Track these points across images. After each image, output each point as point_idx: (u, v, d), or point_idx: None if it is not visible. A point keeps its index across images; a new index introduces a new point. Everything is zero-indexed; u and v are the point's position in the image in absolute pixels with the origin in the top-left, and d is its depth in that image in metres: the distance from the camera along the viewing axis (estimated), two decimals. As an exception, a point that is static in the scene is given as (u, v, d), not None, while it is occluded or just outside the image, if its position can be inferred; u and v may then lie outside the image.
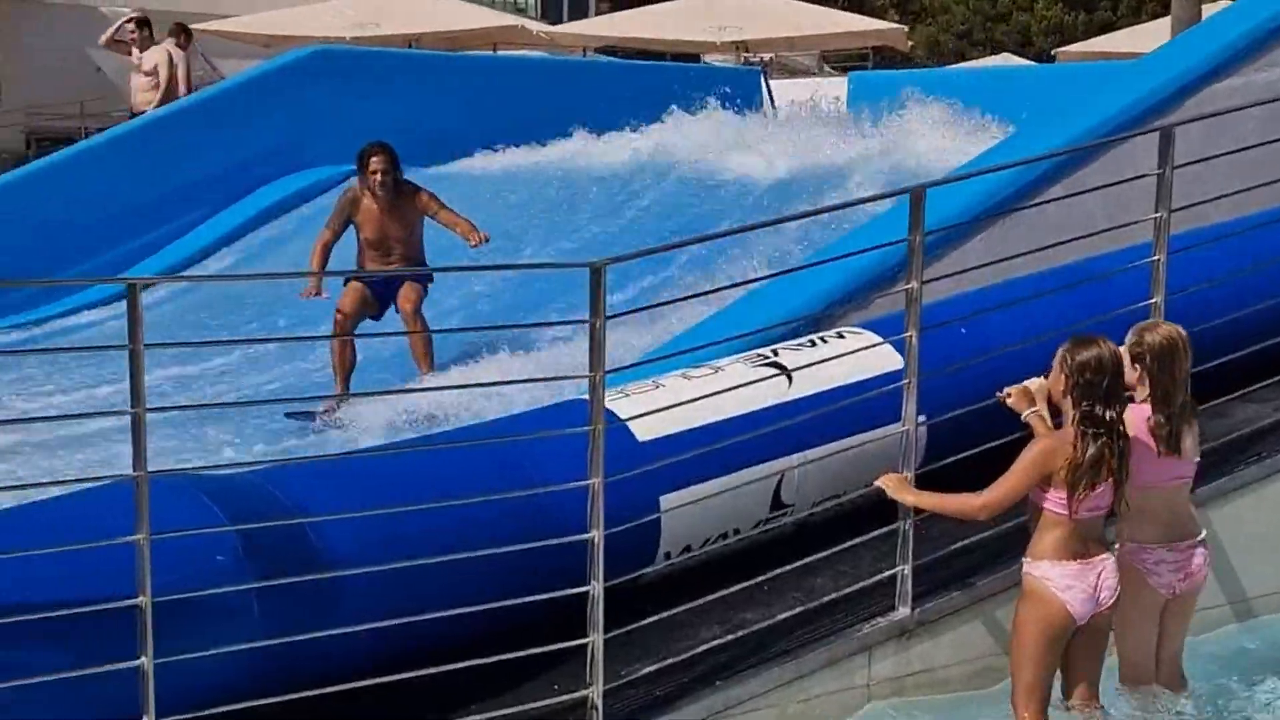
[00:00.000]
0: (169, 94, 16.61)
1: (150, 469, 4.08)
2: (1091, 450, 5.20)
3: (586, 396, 4.94)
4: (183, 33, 17.30)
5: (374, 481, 5.10)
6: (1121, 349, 5.49)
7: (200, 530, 4.40)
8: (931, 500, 5.59)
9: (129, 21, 17.17)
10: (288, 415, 9.57)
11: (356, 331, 9.99)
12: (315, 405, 9.47)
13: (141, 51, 16.93)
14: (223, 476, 4.81)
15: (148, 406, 4.00)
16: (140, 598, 4.10)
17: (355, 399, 9.33)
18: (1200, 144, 7.49)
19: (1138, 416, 5.51)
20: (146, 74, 16.84)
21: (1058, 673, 5.48)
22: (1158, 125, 6.57)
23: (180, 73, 16.93)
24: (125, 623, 4.13)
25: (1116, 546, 5.63)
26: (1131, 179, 6.69)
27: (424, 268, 10.41)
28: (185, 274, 14.59)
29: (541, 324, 6.11)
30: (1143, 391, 5.54)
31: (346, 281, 10.20)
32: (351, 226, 10.17)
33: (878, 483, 5.66)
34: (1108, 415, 5.23)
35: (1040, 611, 5.33)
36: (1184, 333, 5.59)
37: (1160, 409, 5.51)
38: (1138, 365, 5.50)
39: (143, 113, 16.53)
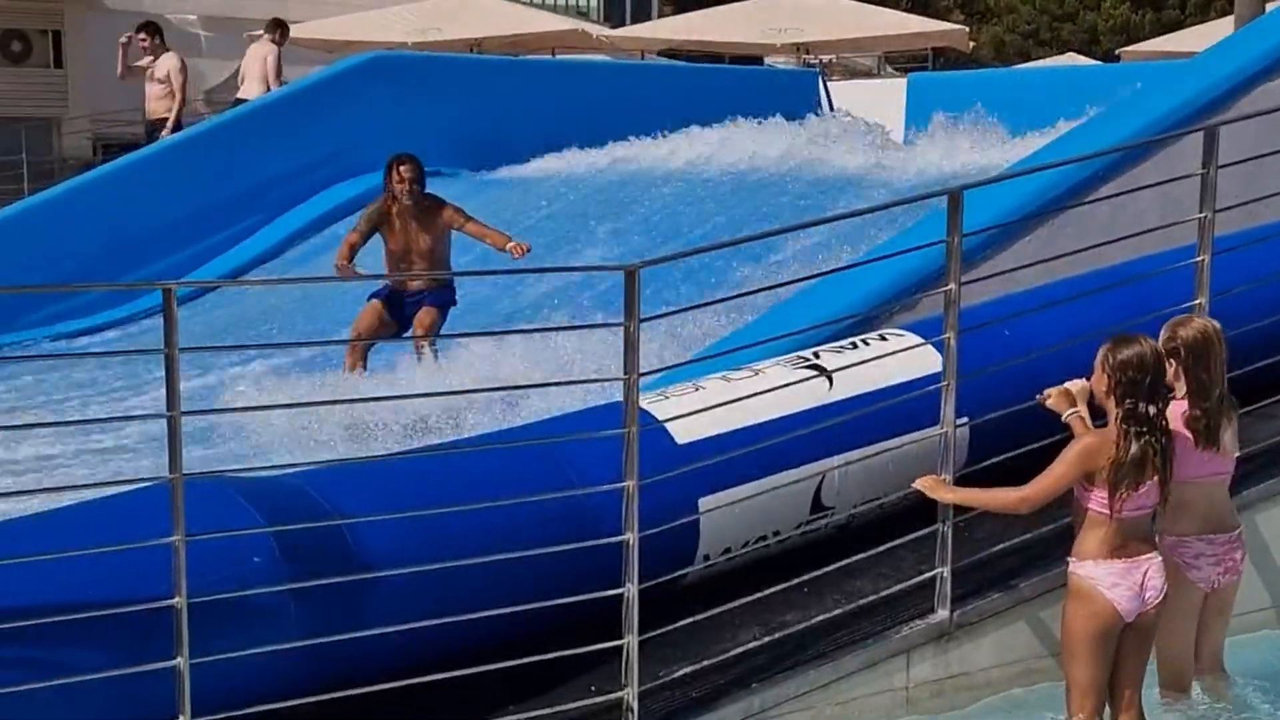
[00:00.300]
0: (184, 102, 16.73)
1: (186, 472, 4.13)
2: (1135, 449, 5.19)
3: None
4: (279, 29, 17.46)
5: (412, 483, 5.13)
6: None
7: (236, 532, 4.44)
8: (970, 496, 5.59)
9: (138, 32, 17.18)
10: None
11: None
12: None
13: (155, 59, 16.97)
14: (261, 479, 4.87)
15: (183, 410, 4.05)
16: (176, 599, 4.15)
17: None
18: (1255, 144, 7.43)
19: (1175, 411, 5.49)
20: (160, 81, 16.88)
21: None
22: (1202, 125, 6.51)
23: (271, 67, 17.20)
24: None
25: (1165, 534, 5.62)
26: (1173, 180, 6.64)
27: (449, 288, 10.40)
28: (238, 279, 14.72)
29: (576, 326, 6.15)
30: (1180, 387, 5.52)
31: (369, 299, 10.31)
32: (379, 238, 10.23)
33: (915, 484, 5.65)
34: (1151, 412, 5.21)
35: (1088, 610, 5.32)
36: (1218, 326, 5.58)
37: (1197, 403, 5.50)
38: (1172, 360, 5.49)
39: (159, 121, 16.69)
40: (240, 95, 17.75)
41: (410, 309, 10.24)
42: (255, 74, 17.46)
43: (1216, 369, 5.52)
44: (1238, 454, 5.78)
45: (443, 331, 9.90)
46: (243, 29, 31.32)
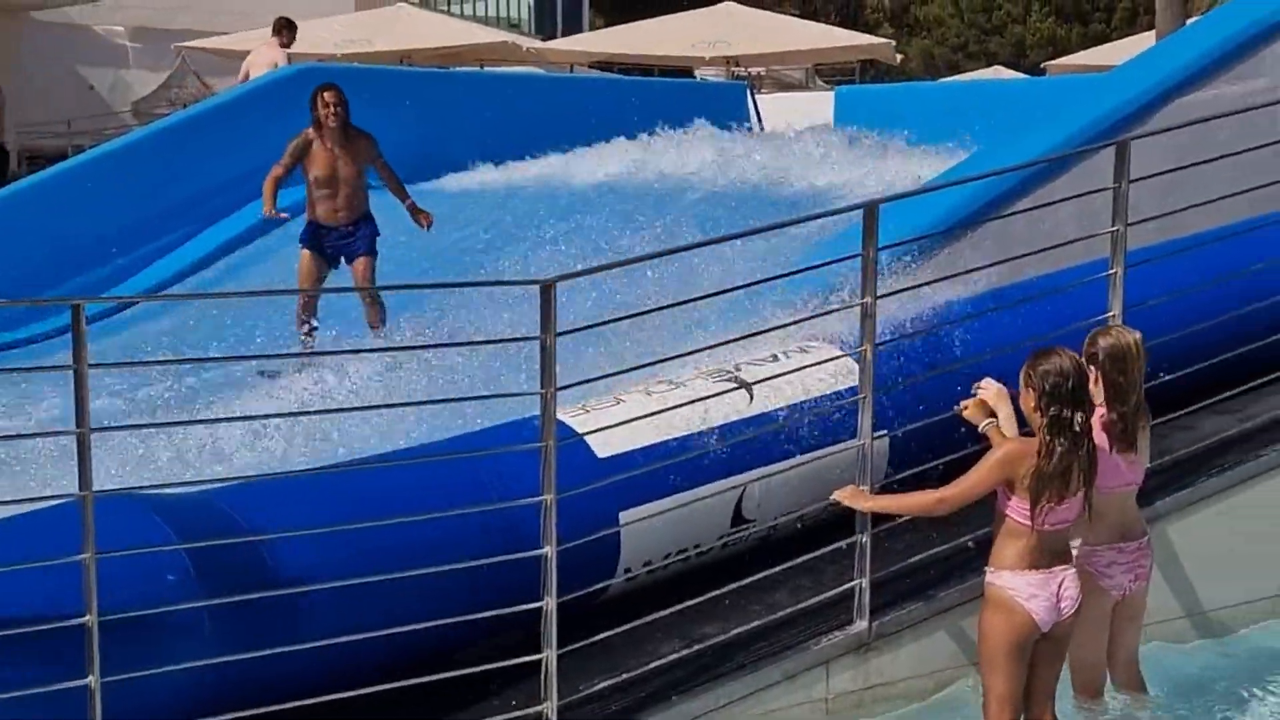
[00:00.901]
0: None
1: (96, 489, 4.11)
2: (1058, 458, 5.23)
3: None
4: (286, 29, 17.10)
5: (331, 498, 5.12)
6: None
7: (148, 549, 4.42)
8: (887, 502, 5.64)
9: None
10: (259, 373, 10.15)
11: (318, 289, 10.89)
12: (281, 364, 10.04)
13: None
14: (177, 495, 4.84)
15: (92, 427, 4.03)
16: (87, 617, 4.13)
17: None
18: (1176, 157, 7.53)
19: (1093, 418, 5.56)
20: None
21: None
22: (1114, 140, 6.60)
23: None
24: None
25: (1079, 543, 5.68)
26: (1086, 194, 6.74)
27: (371, 220, 11.12)
28: (152, 294, 14.59)
29: (492, 340, 6.17)
30: (1099, 394, 5.58)
31: (302, 243, 11.06)
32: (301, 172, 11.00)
33: (834, 496, 5.69)
34: (1076, 421, 5.26)
35: (1006, 621, 5.36)
36: (1138, 336, 5.64)
37: (1114, 407, 5.57)
38: (1091, 366, 5.55)
39: None
40: None
41: (338, 244, 11.03)
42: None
43: (1134, 375, 5.59)
44: (1146, 464, 5.86)
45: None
46: (172, 40, 31.18)
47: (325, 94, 10.87)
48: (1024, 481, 5.26)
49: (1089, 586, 5.57)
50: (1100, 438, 5.52)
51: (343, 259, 11.13)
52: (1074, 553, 5.59)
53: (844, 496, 5.67)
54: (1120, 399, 5.58)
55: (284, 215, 11.06)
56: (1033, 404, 5.31)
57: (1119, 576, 5.72)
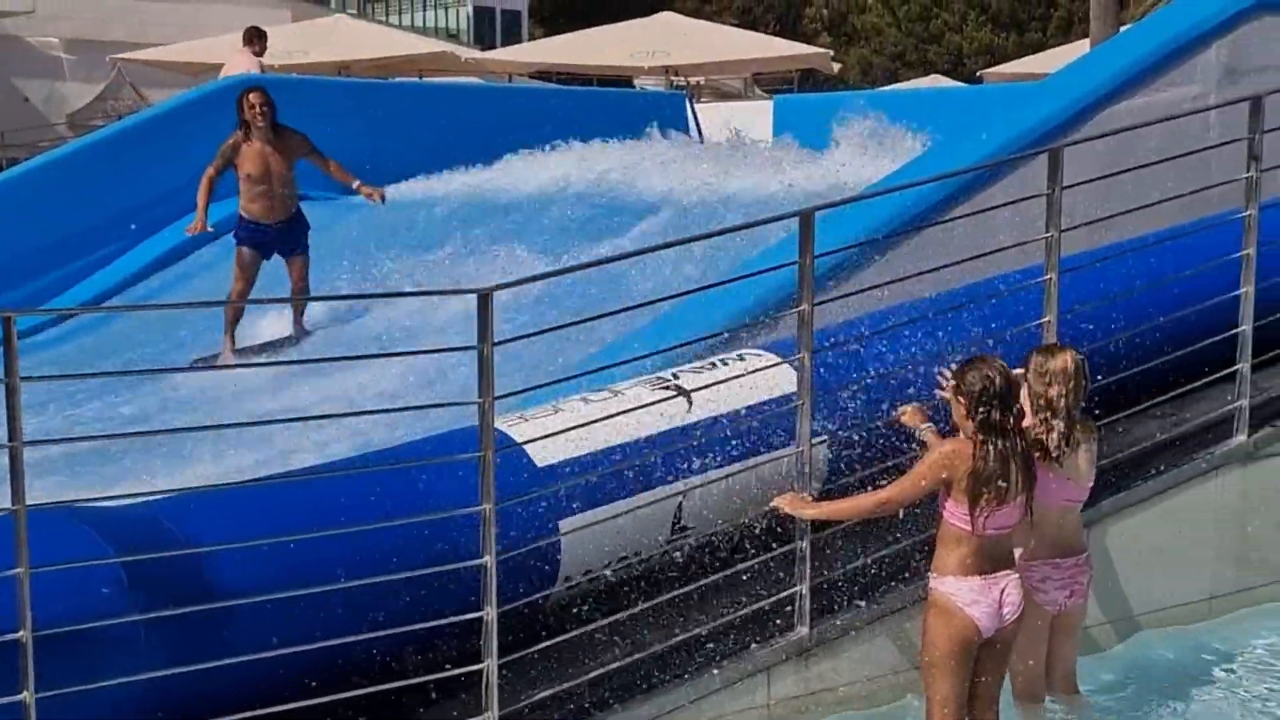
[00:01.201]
0: None
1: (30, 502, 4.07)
2: (993, 458, 5.27)
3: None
4: (258, 39, 17.15)
5: (268, 510, 5.09)
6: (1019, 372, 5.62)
7: (82, 563, 4.39)
8: (828, 509, 5.66)
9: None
10: (194, 362, 10.83)
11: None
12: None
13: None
14: (111, 509, 4.80)
15: (25, 440, 4.00)
16: (21, 632, 4.09)
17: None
18: (1107, 164, 7.61)
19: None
20: None
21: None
22: (1048, 147, 6.66)
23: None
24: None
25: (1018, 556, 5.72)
26: (1019, 200, 6.80)
27: (303, 217, 11.66)
28: (86, 306, 14.46)
29: (430, 350, 6.14)
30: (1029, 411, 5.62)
31: (238, 240, 11.50)
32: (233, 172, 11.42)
33: (774, 504, 5.71)
34: (1006, 422, 5.30)
35: (949, 626, 5.39)
36: (1075, 355, 5.68)
37: (1041, 422, 5.59)
38: (1025, 383, 5.59)
39: None
40: None
41: (274, 240, 11.50)
42: None
43: (1063, 391, 5.59)
44: (1091, 482, 5.89)
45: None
46: (107, 51, 30.99)
47: (250, 96, 11.30)
48: (961, 483, 5.30)
49: (1025, 599, 5.60)
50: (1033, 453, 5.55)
51: (277, 254, 11.58)
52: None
53: (784, 503, 5.69)
54: (1049, 414, 5.61)
55: (210, 230, 11.52)
56: (964, 411, 5.35)
57: (1053, 592, 5.76)
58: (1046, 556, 5.73)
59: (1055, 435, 5.60)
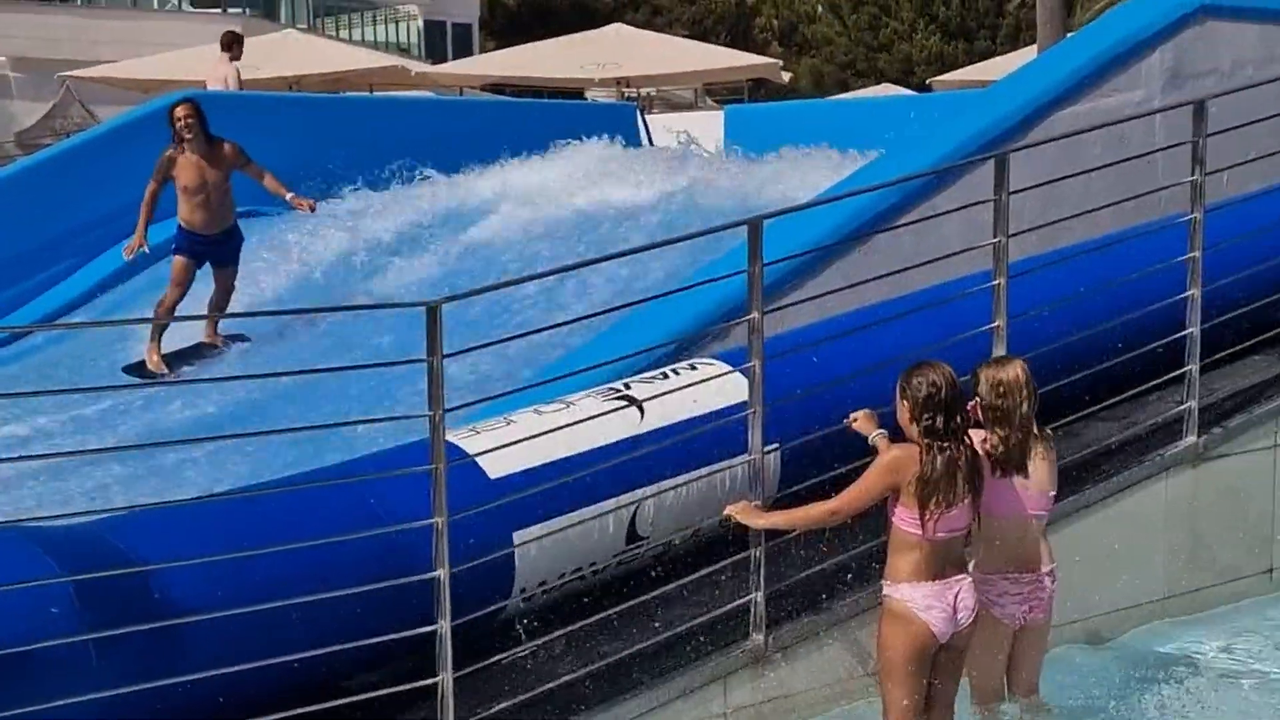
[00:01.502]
0: None
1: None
2: (940, 462, 5.29)
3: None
4: (236, 44, 17.29)
5: (219, 527, 5.07)
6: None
7: (31, 583, 4.36)
8: (779, 518, 5.67)
9: None
10: (124, 370, 10.97)
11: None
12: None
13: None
14: (58, 527, 4.77)
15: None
16: (-31, 653, 4.06)
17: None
18: (1052, 170, 7.67)
19: (977, 441, 5.62)
20: None
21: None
22: (993, 153, 6.70)
23: (232, 85, 17.12)
24: None
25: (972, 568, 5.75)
26: (967, 206, 6.84)
27: (238, 231, 11.83)
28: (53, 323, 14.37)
29: (379, 364, 6.13)
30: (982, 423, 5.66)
31: (176, 250, 11.57)
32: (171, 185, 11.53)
33: (726, 511, 5.72)
34: (950, 427, 5.33)
35: (904, 632, 5.40)
36: (1022, 365, 5.71)
37: (995, 432, 5.61)
38: (978, 395, 5.64)
39: None
40: None
41: (209, 249, 11.61)
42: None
43: (1017, 401, 5.61)
44: (1054, 493, 5.88)
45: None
46: (55, 70, 30.80)
47: (178, 109, 11.46)
48: (910, 488, 5.32)
49: (982, 614, 5.60)
50: (984, 463, 5.57)
51: (209, 263, 11.70)
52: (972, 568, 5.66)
53: (736, 512, 5.70)
54: (1002, 424, 5.63)
55: (145, 250, 11.69)
56: (908, 415, 5.38)
57: (1011, 607, 5.73)
58: (1005, 570, 5.71)
59: (1014, 446, 5.62)
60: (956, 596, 5.41)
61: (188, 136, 11.38)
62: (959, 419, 5.37)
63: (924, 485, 5.30)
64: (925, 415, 5.32)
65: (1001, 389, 5.61)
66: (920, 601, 5.37)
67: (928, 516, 5.31)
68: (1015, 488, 5.67)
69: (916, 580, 5.38)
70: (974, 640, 5.60)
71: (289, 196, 11.72)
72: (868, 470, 5.45)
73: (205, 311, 11.70)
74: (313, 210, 11.99)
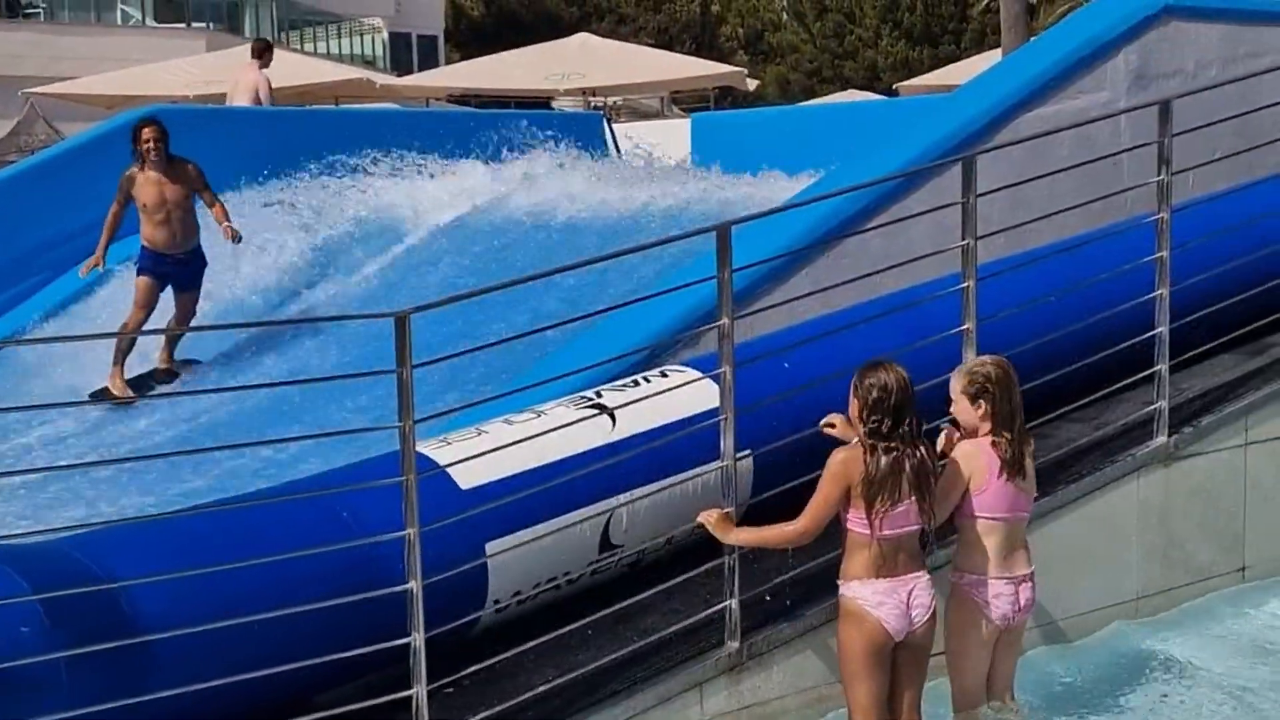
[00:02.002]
0: None
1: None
2: (883, 463, 5.34)
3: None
4: (266, 51, 17.54)
5: (189, 543, 5.03)
6: (956, 388, 5.72)
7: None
8: (751, 537, 5.68)
9: None
10: (90, 396, 10.87)
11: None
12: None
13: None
14: (27, 545, 4.73)
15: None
16: (-62, 673, 4.01)
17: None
18: (1020, 171, 7.70)
19: (981, 447, 5.67)
20: None
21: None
22: (961, 156, 6.71)
23: (265, 98, 17.28)
24: None
25: (952, 578, 5.76)
26: (935, 209, 6.85)
27: (201, 253, 11.78)
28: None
29: (349, 375, 6.12)
30: (985, 426, 5.69)
31: (140, 271, 11.55)
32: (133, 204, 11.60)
33: (699, 519, 5.71)
34: (898, 431, 5.36)
35: (858, 630, 5.46)
36: (1009, 363, 5.75)
37: (1000, 433, 5.67)
38: (982, 400, 5.66)
39: None
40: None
41: (171, 270, 11.57)
42: (247, 104, 17.52)
43: (1017, 400, 5.70)
44: (1035, 493, 5.97)
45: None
46: (18, 86, 30.64)
47: (144, 130, 11.50)
48: (857, 489, 5.37)
49: (974, 614, 5.66)
50: (993, 466, 5.66)
51: (170, 286, 11.65)
52: (960, 578, 5.68)
53: (708, 521, 5.69)
54: (1008, 425, 5.66)
55: (100, 269, 11.89)
56: (857, 412, 5.42)
57: (1005, 608, 5.78)
58: (999, 573, 5.76)
59: (1014, 444, 5.69)
60: (910, 594, 5.45)
61: (152, 157, 11.45)
62: (908, 423, 5.39)
63: (868, 485, 5.37)
64: (872, 417, 5.38)
65: (1012, 390, 5.65)
66: (871, 599, 5.43)
67: (874, 515, 5.36)
68: (1013, 488, 5.72)
69: (867, 578, 5.44)
70: (960, 641, 5.63)
71: (225, 225, 11.69)
72: (821, 480, 5.46)
73: (166, 342, 11.62)
74: (236, 240, 11.88)
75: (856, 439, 5.64)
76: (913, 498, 5.39)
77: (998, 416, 5.70)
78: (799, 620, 5.96)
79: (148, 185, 11.48)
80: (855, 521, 5.42)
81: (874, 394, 5.37)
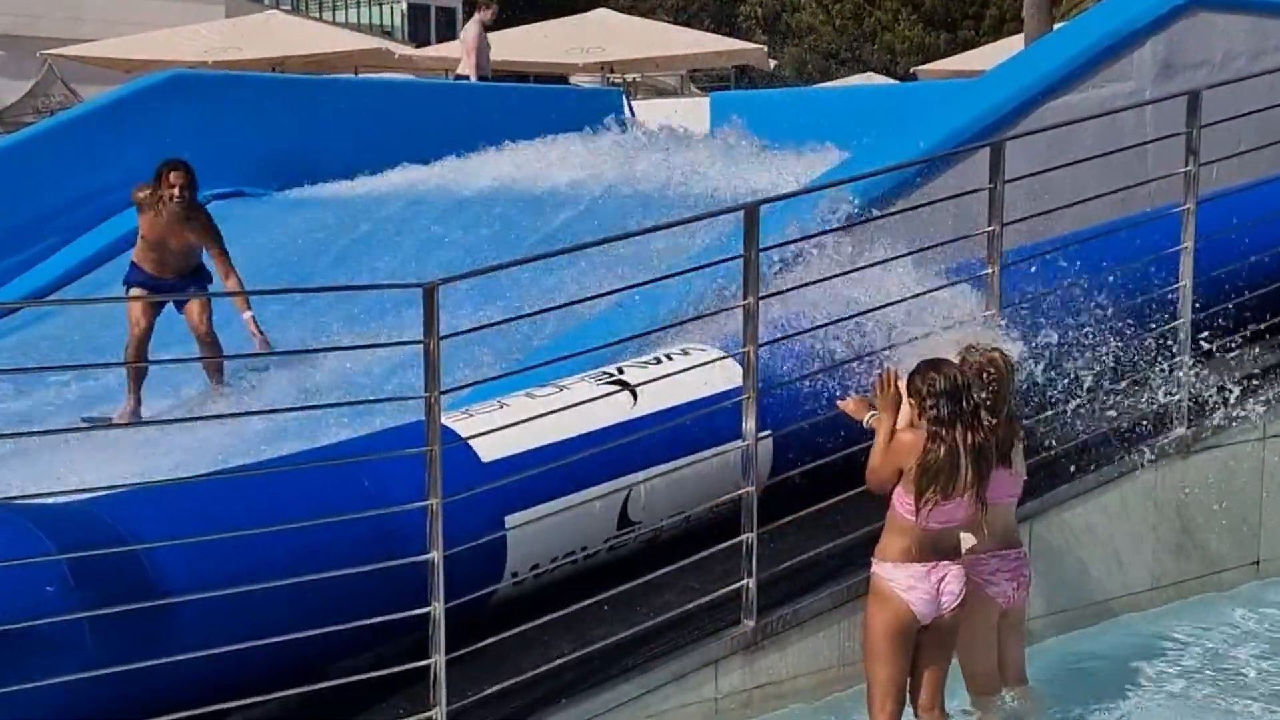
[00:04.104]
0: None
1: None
2: (941, 454, 5.30)
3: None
4: (486, 6, 18.77)
5: (213, 507, 5.04)
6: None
7: (27, 560, 4.33)
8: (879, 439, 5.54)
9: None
10: (83, 420, 9.75)
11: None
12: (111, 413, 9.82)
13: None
14: (54, 506, 4.75)
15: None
16: (-36, 630, 4.03)
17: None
18: (1045, 158, 7.67)
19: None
20: None
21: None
22: (988, 141, 6.70)
23: (468, 43, 18.87)
24: None
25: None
26: (963, 194, 6.83)
27: (204, 272, 10.44)
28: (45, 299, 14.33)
29: (374, 345, 6.11)
30: None
31: (128, 287, 10.34)
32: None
33: (840, 404, 5.66)
34: (958, 421, 5.32)
35: (885, 610, 5.45)
36: (1002, 353, 5.72)
37: (992, 418, 5.62)
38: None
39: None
40: (458, 72, 20.71)
41: (161, 291, 10.19)
42: (463, 51, 19.20)
43: (1002, 391, 5.64)
44: (1025, 476, 5.97)
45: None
46: (37, 47, 30.60)
47: (173, 173, 10.10)
48: (910, 474, 5.34)
49: (975, 596, 5.65)
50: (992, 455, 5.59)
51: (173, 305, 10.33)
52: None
53: (848, 408, 5.69)
54: (990, 413, 5.65)
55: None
56: (917, 410, 5.38)
57: (1004, 584, 5.80)
58: (994, 549, 5.77)
59: (998, 434, 5.65)
60: (942, 581, 5.45)
61: (174, 206, 10.08)
62: (970, 419, 5.35)
63: (923, 474, 5.31)
64: (932, 408, 5.32)
65: (988, 381, 5.60)
66: (903, 582, 5.42)
67: (923, 505, 5.32)
68: (1005, 475, 5.71)
69: (901, 561, 5.43)
70: (966, 627, 5.62)
71: (246, 316, 10.00)
72: (889, 450, 5.43)
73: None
74: (264, 345, 9.98)
75: (874, 418, 5.63)
76: (970, 491, 5.36)
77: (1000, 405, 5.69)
78: (815, 601, 5.98)
79: (156, 225, 10.21)
80: (902, 505, 5.40)
81: (931, 388, 5.32)
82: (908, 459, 5.34)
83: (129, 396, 10.01)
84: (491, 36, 20.15)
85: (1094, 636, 6.78)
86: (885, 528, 5.49)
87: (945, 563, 5.46)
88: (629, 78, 28.49)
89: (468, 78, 19.25)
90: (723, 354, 6.30)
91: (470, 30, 19.53)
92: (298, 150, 15.65)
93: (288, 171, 15.40)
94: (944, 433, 5.31)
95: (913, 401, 5.39)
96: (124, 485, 5.03)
